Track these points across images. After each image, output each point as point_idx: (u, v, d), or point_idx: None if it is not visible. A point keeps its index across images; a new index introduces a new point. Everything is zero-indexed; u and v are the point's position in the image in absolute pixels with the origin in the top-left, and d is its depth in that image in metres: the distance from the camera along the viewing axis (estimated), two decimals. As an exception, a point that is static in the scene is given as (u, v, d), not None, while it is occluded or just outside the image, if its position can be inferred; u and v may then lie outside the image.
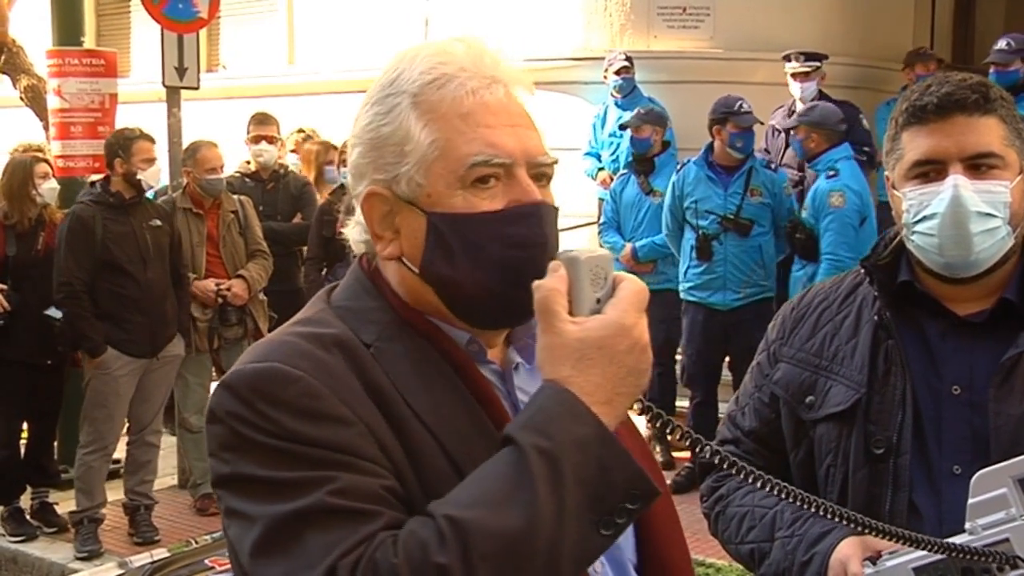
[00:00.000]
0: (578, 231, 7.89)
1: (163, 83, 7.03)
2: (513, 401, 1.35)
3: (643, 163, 7.05)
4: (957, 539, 1.58)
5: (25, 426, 6.35)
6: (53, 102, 7.06)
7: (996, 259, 1.84)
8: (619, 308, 1.20)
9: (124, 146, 5.80)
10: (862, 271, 2.00)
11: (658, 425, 1.25)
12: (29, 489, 6.34)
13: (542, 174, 1.34)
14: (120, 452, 6.27)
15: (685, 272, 6.48)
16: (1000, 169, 1.82)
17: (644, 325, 1.21)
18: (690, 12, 8.80)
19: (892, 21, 9.27)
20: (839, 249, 5.88)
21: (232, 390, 1.23)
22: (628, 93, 7.97)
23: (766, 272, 6.36)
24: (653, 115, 7.07)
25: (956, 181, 1.80)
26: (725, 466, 1.24)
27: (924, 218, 1.83)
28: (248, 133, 7.48)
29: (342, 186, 7.02)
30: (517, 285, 1.24)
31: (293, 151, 8.30)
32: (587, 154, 8.23)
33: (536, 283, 1.21)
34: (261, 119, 7.55)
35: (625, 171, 7.31)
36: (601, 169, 8.14)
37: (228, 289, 6.32)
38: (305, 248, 7.09)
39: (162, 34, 7.03)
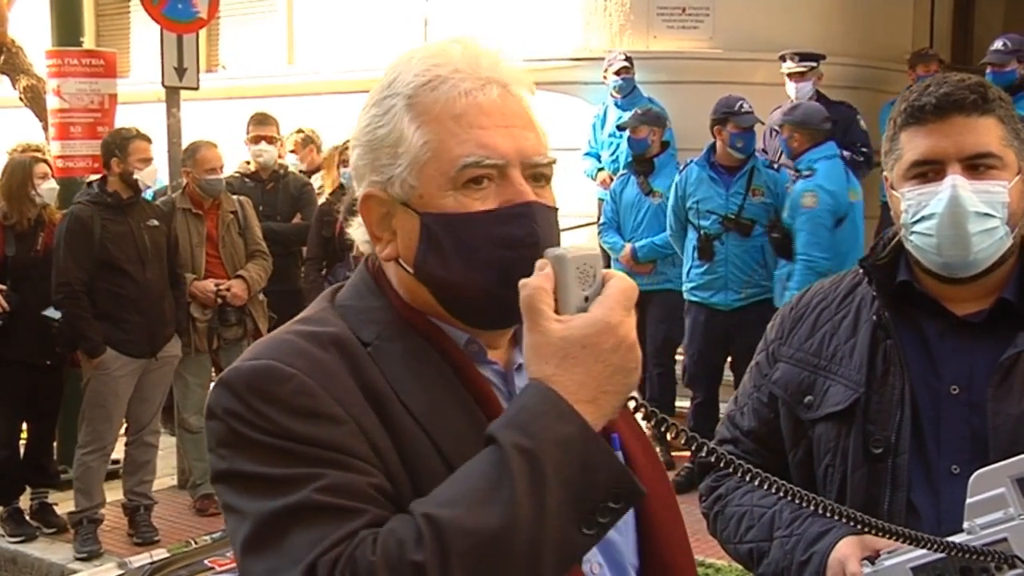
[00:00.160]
0: (578, 231, 7.89)
1: (162, 83, 7.03)
2: None
3: (642, 164, 7.05)
4: (955, 538, 1.59)
5: (24, 426, 6.35)
6: (52, 102, 7.06)
7: (994, 259, 1.84)
8: (605, 306, 1.19)
9: (121, 146, 5.80)
10: (861, 271, 2.00)
11: (652, 424, 1.25)
12: (28, 489, 6.34)
13: (540, 174, 1.34)
14: (119, 452, 6.27)
15: (688, 272, 6.49)
16: (998, 169, 1.82)
17: (631, 323, 1.20)
18: (689, 12, 8.80)
19: (891, 22, 9.27)
20: (812, 250, 5.89)
21: (229, 387, 1.25)
22: (628, 93, 7.97)
23: (768, 272, 6.35)
24: (651, 116, 7.07)
25: (954, 181, 1.80)
26: (722, 464, 1.24)
27: (922, 218, 1.83)
28: (247, 133, 7.48)
29: (341, 186, 7.02)
30: (509, 285, 1.23)
31: (293, 151, 8.30)
32: (587, 154, 8.24)
33: (522, 282, 1.21)
34: (260, 119, 7.55)
35: (625, 171, 7.32)
36: (601, 169, 8.14)
37: (227, 289, 6.32)
38: (305, 248, 7.09)
39: (161, 34, 7.03)
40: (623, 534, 1.37)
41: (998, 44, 6.96)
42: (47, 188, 6.18)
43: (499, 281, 1.26)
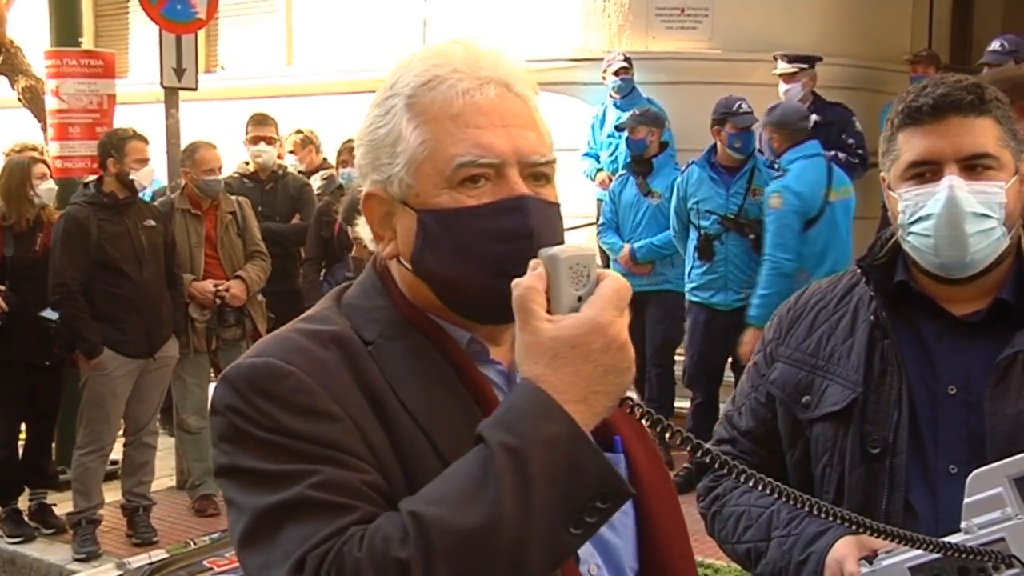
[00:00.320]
0: (577, 232, 7.89)
1: (161, 84, 7.03)
2: None
3: (641, 164, 7.06)
4: (953, 538, 1.59)
5: (23, 427, 6.34)
6: (51, 103, 7.06)
7: (991, 260, 1.84)
8: (596, 306, 1.19)
9: (117, 146, 5.80)
10: (858, 271, 2.00)
11: (648, 424, 1.25)
12: (27, 490, 6.34)
13: (540, 174, 1.34)
14: (117, 453, 6.27)
15: (689, 273, 6.51)
16: (995, 170, 1.82)
17: (623, 323, 1.20)
18: (688, 13, 8.80)
19: (890, 22, 9.27)
20: (776, 251, 5.89)
21: (230, 384, 1.27)
22: (627, 94, 7.97)
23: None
24: (649, 116, 7.07)
25: (951, 182, 1.80)
26: (716, 465, 1.24)
27: (920, 219, 1.83)
28: (246, 134, 7.48)
29: (340, 187, 7.02)
30: (505, 277, 1.24)
31: (292, 152, 8.30)
32: (586, 155, 8.24)
33: (515, 282, 1.21)
34: (259, 120, 7.55)
35: (623, 172, 7.32)
36: (600, 170, 8.14)
37: (226, 290, 6.32)
38: (303, 249, 7.09)
39: (160, 35, 7.03)
40: (623, 537, 1.37)
41: (995, 45, 6.96)
42: (46, 188, 6.18)
43: (495, 274, 1.27)
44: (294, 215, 7.35)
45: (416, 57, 1.37)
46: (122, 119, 6.93)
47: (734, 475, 1.25)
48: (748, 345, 6.05)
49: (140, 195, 6.02)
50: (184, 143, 6.65)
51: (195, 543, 3.75)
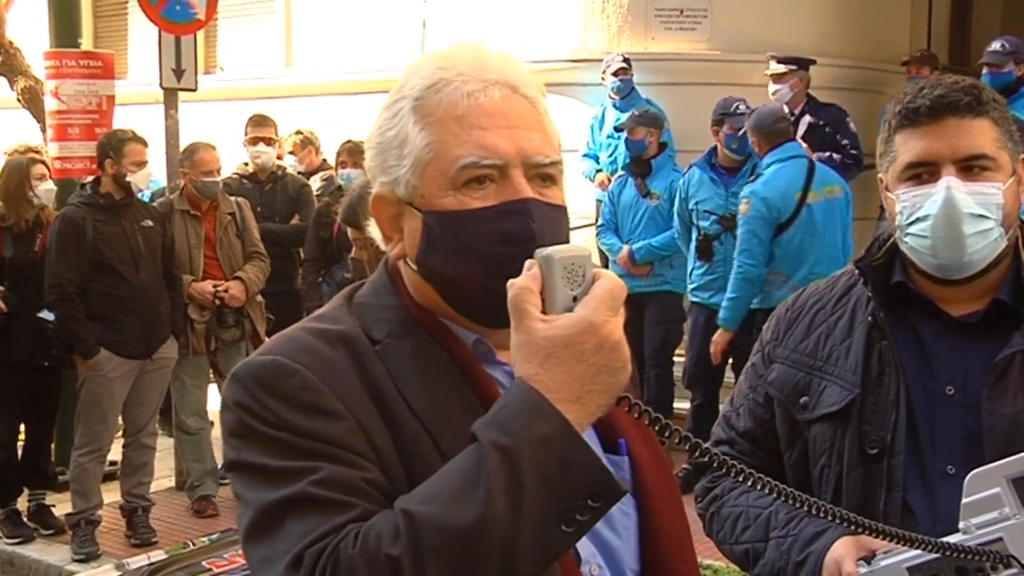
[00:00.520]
0: (576, 232, 7.89)
1: (160, 85, 7.03)
2: None
3: (639, 165, 7.06)
4: (951, 538, 1.59)
5: (22, 428, 6.34)
6: (50, 104, 7.06)
7: (989, 260, 1.85)
8: (589, 306, 1.20)
9: (116, 147, 5.80)
10: (856, 272, 2.01)
11: (647, 423, 1.25)
12: (26, 491, 6.34)
13: (545, 175, 1.35)
14: (116, 454, 6.27)
15: (690, 273, 6.53)
16: (992, 171, 1.83)
17: (617, 323, 1.21)
18: (687, 14, 8.80)
19: (889, 23, 9.28)
20: (741, 256, 5.92)
21: (239, 381, 1.30)
22: (626, 95, 7.98)
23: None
24: (647, 117, 7.07)
25: (949, 183, 1.81)
26: (715, 465, 1.24)
27: (917, 220, 1.84)
28: (246, 135, 7.48)
29: (339, 188, 7.02)
30: (505, 280, 1.24)
31: (291, 153, 8.31)
32: (585, 156, 8.24)
33: (510, 282, 1.22)
34: (259, 121, 7.55)
35: (622, 173, 7.32)
36: (599, 171, 8.15)
37: (225, 291, 6.32)
38: (302, 250, 7.09)
39: (159, 36, 7.03)
40: (625, 539, 1.38)
41: (996, 45, 6.95)
42: (45, 189, 6.18)
43: (498, 276, 1.27)
44: (293, 216, 7.35)
45: (424, 60, 1.39)
46: (121, 120, 6.93)
47: (733, 475, 1.25)
48: (716, 346, 6.09)
49: (138, 195, 6.02)
50: (183, 144, 6.65)
51: (194, 544, 3.75)
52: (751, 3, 8.67)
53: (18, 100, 8.70)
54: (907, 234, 1.86)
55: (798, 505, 1.31)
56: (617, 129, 7.53)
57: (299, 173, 7.97)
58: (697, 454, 1.26)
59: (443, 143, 1.32)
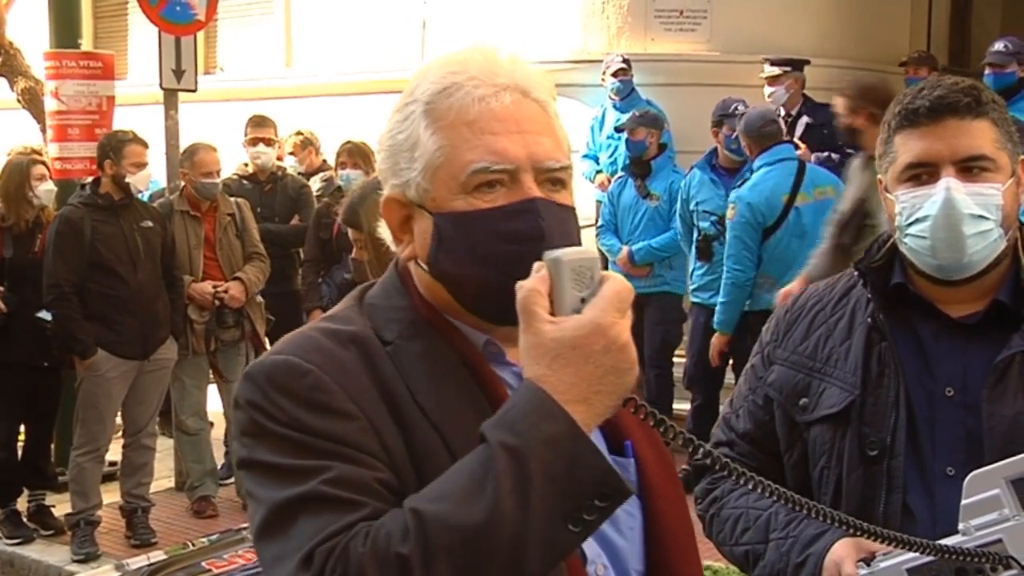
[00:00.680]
0: (575, 233, 7.88)
1: (160, 86, 7.03)
2: None
3: (639, 166, 7.06)
4: (950, 540, 1.59)
5: (22, 428, 6.34)
6: (50, 104, 7.06)
7: (988, 261, 1.85)
8: (597, 308, 1.21)
9: (116, 148, 5.80)
10: (855, 273, 2.01)
11: (652, 424, 1.25)
12: (26, 491, 6.34)
13: (555, 179, 1.36)
14: (116, 455, 6.27)
15: (691, 274, 6.54)
16: (992, 172, 1.83)
17: (624, 325, 1.22)
18: (687, 15, 8.80)
19: (889, 24, 9.28)
20: (729, 261, 5.95)
21: (252, 380, 1.31)
22: (626, 96, 7.98)
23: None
24: (648, 117, 7.07)
25: (948, 184, 1.81)
26: (716, 467, 1.25)
27: (917, 220, 1.84)
28: (245, 135, 7.48)
29: (339, 188, 7.02)
30: (515, 279, 1.25)
31: (291, 153, 8.31)
32: (585, 156, 8.24)
33: (518, 284, 1.23)
34: (258, 121, 7.55)
35: (622, 174, 7.33)
36: (599, 172, 8.15)
37: (225, 291, 6.31)
38: (302, 250, 7.09)
39: (159, 37, 7.03)
40: (630, 540, 1.39)
41: (999, 45, 6.95)
42: (45, 190, 6.18)
43: (507, 274, 1.28)
44: (293, 216, 7.35)
45: (435, 63, 1.40)
46: (121, 121, 6.93)
47: (733, 477, 1.26)
48: (714, 349, 6.10)
49: (138, 196, 6.02)
50: (183, 144, 6.65)
51: (194, 544, 3.76)
52: (751, 4, 8.67)
53: (18, 101, 8.69)
54: (907, 235, 1.86)
55: (796, 508, 1.31)
56: (618, 130, 7.53)
57: (299, 174, 7.97)
58: (700, 455, 1.26)
59: (454, 148, 1.33)
